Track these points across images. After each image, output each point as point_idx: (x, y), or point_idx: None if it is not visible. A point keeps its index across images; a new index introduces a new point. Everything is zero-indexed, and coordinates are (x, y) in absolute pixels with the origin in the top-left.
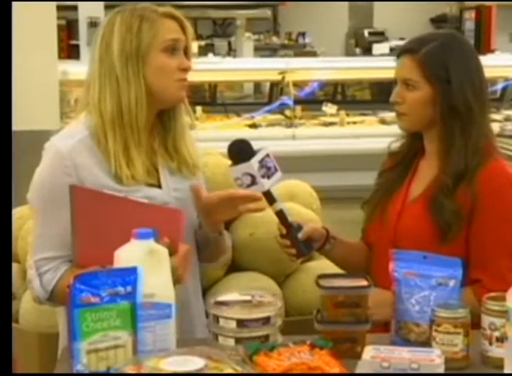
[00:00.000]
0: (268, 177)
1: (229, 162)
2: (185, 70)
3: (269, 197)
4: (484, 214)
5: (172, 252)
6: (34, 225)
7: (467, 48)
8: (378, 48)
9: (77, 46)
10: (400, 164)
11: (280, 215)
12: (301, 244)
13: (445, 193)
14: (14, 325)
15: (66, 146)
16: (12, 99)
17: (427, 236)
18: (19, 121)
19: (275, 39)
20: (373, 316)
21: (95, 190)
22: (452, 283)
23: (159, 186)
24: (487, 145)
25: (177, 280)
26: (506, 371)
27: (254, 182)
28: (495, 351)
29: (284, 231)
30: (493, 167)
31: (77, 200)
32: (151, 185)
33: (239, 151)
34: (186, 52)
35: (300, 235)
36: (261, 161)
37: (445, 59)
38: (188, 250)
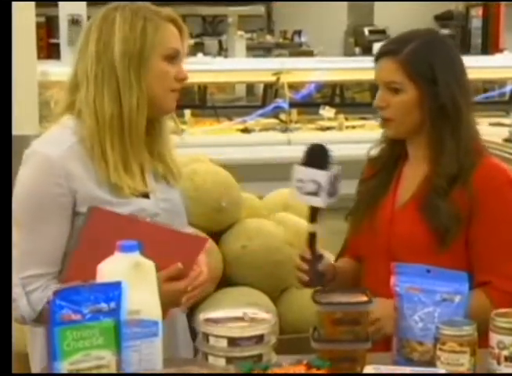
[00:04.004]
0: (330, 196)
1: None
2: (182, 80)
3: (314, 215)
4: (487, 214)
5: (182, 276)
6: (16, 240)
7: (450, 45)
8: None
9: (57, 45)
10: (381, 170)
11: (312, 237)
12: (318, 274)
13: (439, 194)
14: None
15: (56, 154)
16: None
17: (424, 242)
18: None
19: (269, 38)
20: (384, 329)
21: (116, 213)
22: (457, 298)
23: (146, 195)
24: (476, 145)
25: (178, 305)
26: None
27: (316, 193)
28: (504, 371)
29: (309, 256)
30: (488, 165)
31: (94, 223)
32: (139, 194)
33: (318, 155)
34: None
35: (320, 266)
36: (334, 177)
37: (429, 57)
38: (200, 273)
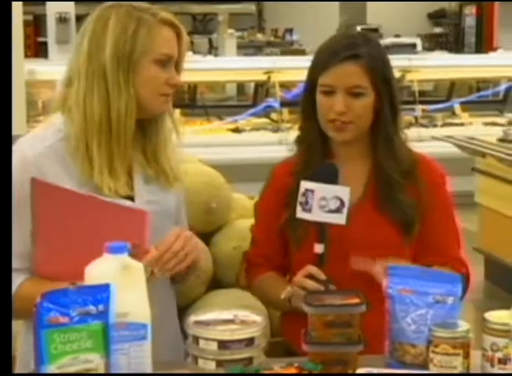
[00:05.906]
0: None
1: (230, 176)
2: (174, 85)
3: (324, 235)
4: (437, 205)
5: (140, 256)
6: None
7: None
8: None
9: (45, 44)
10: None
11: (322, 258)
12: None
13: (396, 188)
14: None
15: (33, 152)
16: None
17: (389, 237)
18: None
19: (260, 36)
20: None
21: (58, 186)
22: (450, 300)
23: (132, 197)
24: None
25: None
26: None
27: (339, 209)
28: (498, 373)
29: (323, 277)
30: (425, 159)
31: (38, 195)
32: (123, 196)
33: (330, 173)
34: (177, 65)
35: (331, 286)
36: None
37: (384, 59)
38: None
